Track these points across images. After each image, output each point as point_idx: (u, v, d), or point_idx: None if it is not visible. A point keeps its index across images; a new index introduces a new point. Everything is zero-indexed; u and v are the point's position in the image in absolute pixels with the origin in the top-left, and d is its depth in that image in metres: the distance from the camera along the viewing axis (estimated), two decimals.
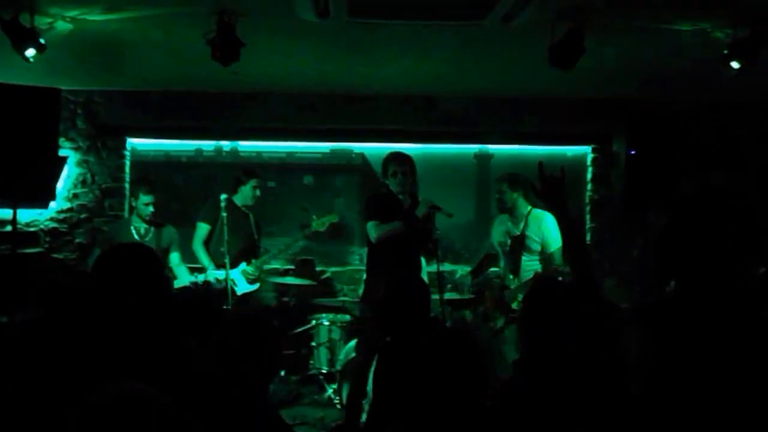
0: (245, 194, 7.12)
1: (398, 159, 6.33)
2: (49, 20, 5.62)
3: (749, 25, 5.34)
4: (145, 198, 6.86)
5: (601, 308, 3.09)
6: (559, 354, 2.88)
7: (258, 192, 7.17)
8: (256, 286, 7.23)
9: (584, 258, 3.14)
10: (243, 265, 7.01)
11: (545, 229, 6.55)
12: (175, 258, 7.07)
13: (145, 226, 6.96)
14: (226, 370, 3.05)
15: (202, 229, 7.05)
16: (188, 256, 7.23)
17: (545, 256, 6.63)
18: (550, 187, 3.28)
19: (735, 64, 5.53)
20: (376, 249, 6.23)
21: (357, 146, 8.91)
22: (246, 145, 9.00)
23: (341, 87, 8.39)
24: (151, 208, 6.87)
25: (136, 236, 6.88)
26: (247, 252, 7.07)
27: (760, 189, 8.22)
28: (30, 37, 5.45)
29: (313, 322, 7.55)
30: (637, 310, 2.86)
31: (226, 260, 6.46)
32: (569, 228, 3.23)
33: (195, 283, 6.52)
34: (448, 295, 7.67)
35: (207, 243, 7.05)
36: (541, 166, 3.38)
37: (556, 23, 5.45)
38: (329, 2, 4.88)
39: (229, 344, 3.12)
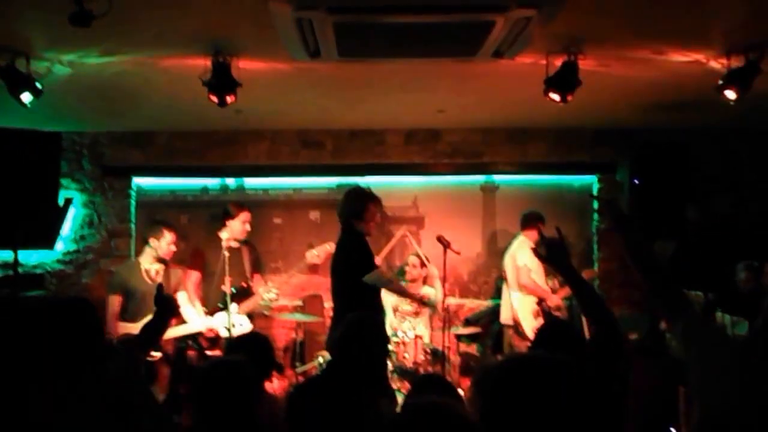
0: (234, 229, 6.88)
1: (379, 202, 6.25)
2: (46, 64, 5.68)
3: (743, 54, 5.32)
4: (168, 236, 6.76)
5: (623, 360, 3.04)
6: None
7: (248, 226, 6.96)
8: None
9: (602, 310, 3.09)
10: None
11: None
12: (182, 298, 6.79)
13: (156, 267, 6.79)
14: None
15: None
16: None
17: None
18: (552, 249, 3.28)
19: (730, 93, 5.51)
20: (347, 296, 5.97)
21: (363, 181, 8.88)
22: (252, 183, 9.00)
23: (345, 122, 8.45)
24: (173, 247, 6.80)
25: (147, 278, 6.75)
26: (241, 292, 6.83)
27: (763, 214, 8.16)
28: (25, 82, 5.50)
29: (320, 359, 7.50)
30: None
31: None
32: (578, 284, 3.22)
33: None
34: (455, 329, 7.61)
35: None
36: (541, 235, 3.43)
37: (550, 56, 5.47)
38: (319, 43, 4.90)
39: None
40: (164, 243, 6.77)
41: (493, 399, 2.16)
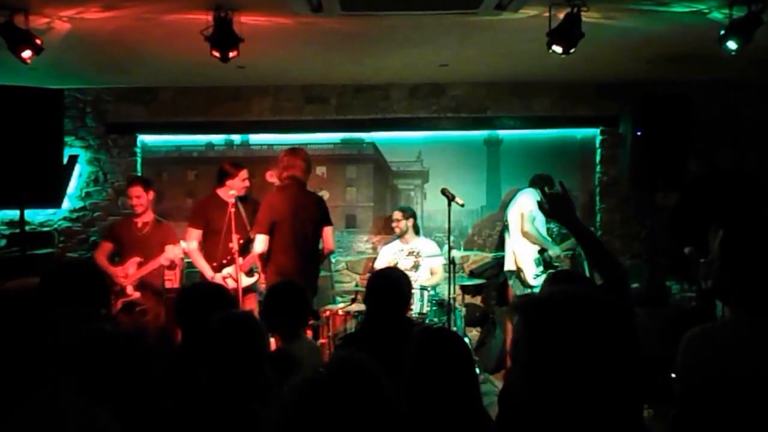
0: (236, 186, 6.81)
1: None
2: (46, 20, 5.64)
3: (746, 4, 5.28)
4: (138, 193, 6.92)
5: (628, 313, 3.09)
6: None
7: (247, 182, 7.02)
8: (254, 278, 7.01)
9: (610, 261, 3.12)
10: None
11: None
12: (183, 247, 6.83)
13: (144, 220, 6.99)
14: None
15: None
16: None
17: None
18: (557, 204, 3.30)
19: (732, 44, 5.49)
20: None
21: (368, 136, 8.92)
22: (257, 139, 9.00)
23: (349, 78, 8.43)
24: (143, 201, 6.92)
25: (135, 231, 6.97)
26: (244, 247, 6.74)
27: (765, 167, 8.19)
28: (25, 38, 5.48)
29: (328, 313, 7.53)
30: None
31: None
32: (584, 237, 3.24)
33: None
34: (460, 280, 7.68)
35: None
36: (544, 191, 3.43)
37: (553, 9, 5.44)
38: None
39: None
40: (135, 199, 6.96)
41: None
